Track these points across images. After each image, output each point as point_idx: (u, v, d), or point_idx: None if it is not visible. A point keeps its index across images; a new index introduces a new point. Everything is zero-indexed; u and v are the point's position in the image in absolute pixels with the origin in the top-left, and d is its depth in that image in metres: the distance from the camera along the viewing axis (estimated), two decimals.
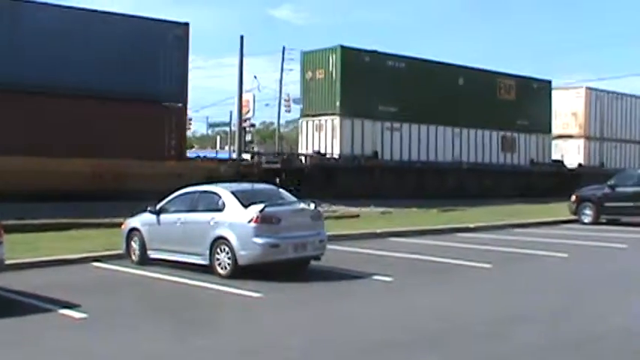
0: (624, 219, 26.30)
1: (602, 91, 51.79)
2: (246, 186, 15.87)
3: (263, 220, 13.64)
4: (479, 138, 43.61)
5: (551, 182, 43.96)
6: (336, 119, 37.09)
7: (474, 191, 39.94)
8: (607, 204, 26.42)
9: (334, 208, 29.83)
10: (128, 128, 28.88)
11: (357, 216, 28.90)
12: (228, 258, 13.74)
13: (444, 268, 15.72)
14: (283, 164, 35.99)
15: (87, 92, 28.31)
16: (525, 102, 45.73)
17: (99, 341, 9.44)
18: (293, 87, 72.36)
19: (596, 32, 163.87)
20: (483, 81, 43.90)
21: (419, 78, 39.23)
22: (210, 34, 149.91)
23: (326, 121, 37.51)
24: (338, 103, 36.96)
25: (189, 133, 56.90)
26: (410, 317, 10.75)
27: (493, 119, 43.62)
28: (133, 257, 15.93)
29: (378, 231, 22.13)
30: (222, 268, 13.84)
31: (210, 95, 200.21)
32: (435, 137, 41.00)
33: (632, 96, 53.83)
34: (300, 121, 40.19)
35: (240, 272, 13.57)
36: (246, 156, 38.28)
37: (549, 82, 49.16)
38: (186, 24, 32.24)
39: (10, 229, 17.72)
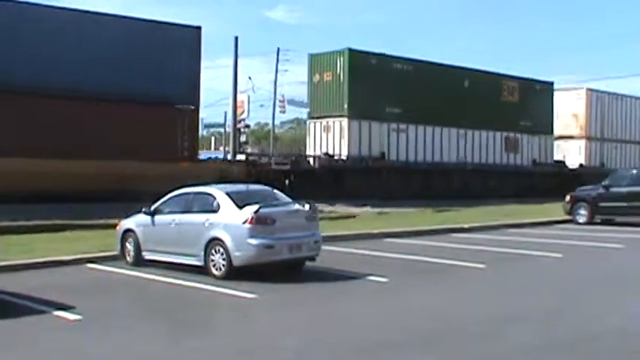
0: (619, 219, 26.34)
1: (602, 92, 52.31)
2: (240, 187, 15.84)
3: (258, 221, 13.63)
4: (483, 139, 44.17)
5: (553, 182, 44.22)
6: (344, 121, 37.52)
7: (479, 191, 40.40)
8: (601, 204, 26.46)
9: (330, 208, 29.92)
10: (142, 130, 29.23)
11: (354, 217, 28.94)
12: (223, 259, 13.73)
13: (438, 268, 15.73)
14: (293, 165, 36.48)
15: (101, 95, 28.61)
16: (528, 103, 46.33)
17: (93, 343, 9.43)
18: (288, 88, 72.55)
19: (596, 32, 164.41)
20: (487, 83, 44.50)
21: (425, 80, 39.75)
22: (205, 34, 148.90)
23: (334, 122, 37.93)
24: (346, 105, 37.39)
25: None
26: (405, 317, 10.75)
27: (497, 121, 44.21)
28: (128, 258, 15.91)
29: (374, 231, 22.14)
30: (217, 269, 13.83)
31: (204, 96, 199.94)
32: (441, 138, 41.52)
33: (632, 97, 54.47)
34: (308, 122, 40.60)
35: (235, 273, 13.56)
36: (241, 157, 38.31)
37: (551, 83, 49.80)
38: (199, 27, 32.60)
39: (4, 231, 17.84)
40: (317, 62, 39.22)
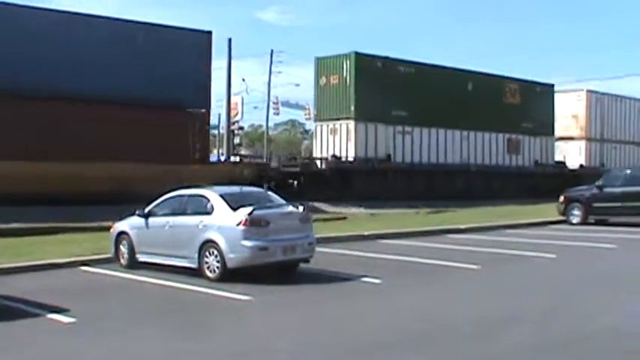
0: (612, 219, 26.40)
1: (602, 94, 52.92)
2: (234, 189, 15.83)
3: (252, 222, 13.64)
4: (486, 141, 44.66)
5: (555, 183, 44.49)
6: (351, 123, 37.90)
7: (482, 192, 40.83)
8: (595, 204, 26.50)
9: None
10: (154, 133, 29.67)
11: (344, 218, 29.07)
12: (217, 261, 13.74)
13: (432, 269, 15.75)
14: (302, 167, 37.27)
15: (114, 98, 29.06)
16: (529, 105, 46.99)
17: (87, 346, 9.43)
18: (281, 89, 72.52)
19: (595, 33, 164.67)
20: (490, 85, 45.09)
21: (429, 83, 40.36)
22: None
23: (340, 125, 38.29)
24: (352, 108, 37.77)
25: None
26: (399, 319, 10.76)
27: (499, 122, 44.78)
28: (122, 261, 15.90)
29: (367, 233, 22.16)
30: (211, 272, 13.83)
31: None
32: (445, 140, 42.00)
33: (631, 98, 55.20)
34: (314, 125, 40.99)
35: (229, 275, 13.57)
36: (235, 158, 38.49)
37: (552, 85, 50.60)
38: (209, 32, 33.27)
39: None
40: (323, 65, 39.62)
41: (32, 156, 26.39)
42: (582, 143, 51.36)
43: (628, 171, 29.23)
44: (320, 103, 39.85)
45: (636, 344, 9.16)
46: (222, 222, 13.94)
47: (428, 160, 40.90)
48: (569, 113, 51.04)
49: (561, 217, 27.20)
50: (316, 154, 39.53)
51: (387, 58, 39.69)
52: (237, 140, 56.34)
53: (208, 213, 14.30)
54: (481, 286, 13.87)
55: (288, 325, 10.55)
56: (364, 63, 38.38)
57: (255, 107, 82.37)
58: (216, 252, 13.77)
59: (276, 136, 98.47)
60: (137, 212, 15.86)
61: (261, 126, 75.82)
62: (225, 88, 43.19)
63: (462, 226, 24.48)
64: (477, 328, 9.98)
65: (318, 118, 39.96)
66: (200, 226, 14.19)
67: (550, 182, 45.44)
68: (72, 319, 10.64)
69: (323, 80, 39.27)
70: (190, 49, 32.09)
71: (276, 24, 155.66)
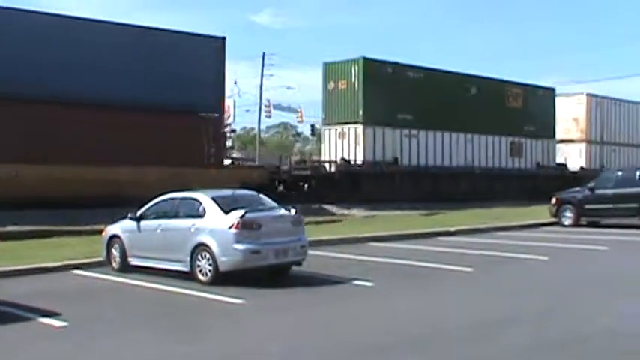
0: (604, 221, 26.45)
1: (602, 97, 53.69)
2: (226, 192, 15.81)
3: (243, 226, 13.63)
4: (489, 144, 45.38)
5: (556, 185, 44.78)
6: (359, 127, 38.42)
7: (485, 194, 41.19)
8: (587, 206, 26.55)
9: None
10: (169, 138, 30.18)
11: (340, 221, 29.08)
12: (209, 264, 13.72)
13: (425, 272, 15.76)
14: (313, 171, 37.91)
15: (130, 104, 29.60)
16: (531, 109, 47.85)
17: (79, 350, 9.40)
18: (273, 92, 72.52)
19: (595, 33, 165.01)
20: (493, 90, 45.85)
21: (434, 87, 41.08)
22: None
23: (349, 129, 38.78)
24: (361, 112, 38.28)
25: None
26: (392, 321, 10.75)
27: (502, 126, 45.53)
28: (114, 264, 15.87)
29: (359, 236, 22.17)
30: (203, 275, 13.82)
31: None
32: (450, 143, 42.61)
33: (630, 102, 56.08)
34: (323, 129, 41.45)
35: (222, 278, 13.55)
36: (227, 162, 38.54)
37: (553, 89, 51.54)
38: (223, 38, 33.79)
39: None
40: (331, 70, 40.10)
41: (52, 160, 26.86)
42: (582, 146, 52.23)
43: (619, 173, 29.28)
44: (328, 108, 40.34)
45: (633, 345, 9.17)
46: (214, 225, 13.92)
47: (434, 162, 41.67)
48: (570, 116, 51.94)
49: (553, 219, 27.24)
50: (324, 157, 40.09)
51: (394, 62, 40.41)
52: (229, 143, 56.25)
53: (200, 216, 14.29)
54: (475, 288, 13.88)
55: (281, 328, 10.54)
56: (372, 68, 38.97)
57: (247, 110, 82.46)
58: (208, 255, 13.75)
59: (267, 139, 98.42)
60: (129, 215, 15.84)
61: (253, 129, 75.85)
62: None
63: (452, 229, 24.38)
64: (473, 330, 9.98)
65: (327, 123, 40.53)
66: (192, 230, 14.17)
67: (551, 184, 45.74)
68: (64, 323, 10.61)
69: (331, 85, 39.78)
70: (205, 55, 32.72)
71: (270, 27, 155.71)
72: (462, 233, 23.94)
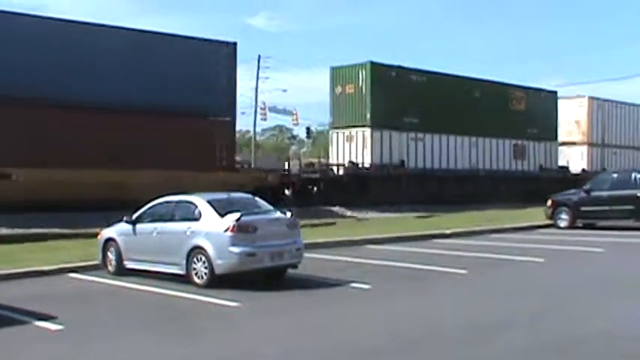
0: (600, 223, 26.48)
1: (603, 100, 54.30)
2: (222, 195, 15.79)
3: (239, 229, 13.62)
4: (493, 146, 45.97)
5: (558, 187, 44.95)
6: (367, 131, 38.98)
7: (489, 197, 41.41)
8: (583, 208, 26.56)
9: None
10: (181, 141, 30.47)
11: (334, 223, 29.11)
12: (205, 267, 13.72)
13: (421, 274, 15.76)
14: (321, 174, 38.22)
15: (144, 108, 29.77)
16: (534, 112, 48.45)
17: (75, 353, 9.39)
18: (269, 95, 72.48)
19: (595, 34, 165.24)
20: (497, 93, 46.55)
21: (439, 91, 41.71)
22: None
23: (357, 132, 39.32)
24: (368, 116, 38.84)
25: None
26: (389, 324, 10.75)
27: (506, 129, 46.17)
28: (110, 268, 15.86)
29: (356, 238, 22.16)
30: (199, 278, 13.81)
31: None
32: (455, 146, 43.22)
33: (631, 104, 56.75)
34: (330, 132, 42.06)
35: (217, 281, 13.55)
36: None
37: (555, 92, 52.42)
38: (234, 43, 34.07)
39: None
40: (339, 75, 40.60)
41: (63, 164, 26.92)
42: (584, 148, 52.94)
43: (615, 174, 29.27)
44: (336, 111, 40.81)
45: (629, 347, 9.17)
46: (210, 228, 13.92)
47: (439, 165, 42.18)
48: (572, 119, 52.66)
49: (549, 221, 27.25)
50: (332, 160, 40.47)
51: (400, 67, 40.82)
52: None
53: (196, 219, 14.28)
54: (470, 290, 13.87)
55: (276, 330, 10.54)
56: (379, 72, 39.47)
57: (243, 113, 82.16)
58: (204, 258, 13.74)
59: (263, 142, 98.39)
60: (125, 219, 15.83)
61: (248, 131, 75.69)
62: None
63: (448, 231, 24.39)
64: (469, 332, 9.98)
65: (334, 126, 41.00)
66: (188, 233, 14.17)
67: (554, 186, 45.89)
68: (60, 327, 10.60)
69: (339, 89, 40.27)
70: (217, 60, 32.97)
71: (265, 30, 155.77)
72: (458, 236, 23.95)
